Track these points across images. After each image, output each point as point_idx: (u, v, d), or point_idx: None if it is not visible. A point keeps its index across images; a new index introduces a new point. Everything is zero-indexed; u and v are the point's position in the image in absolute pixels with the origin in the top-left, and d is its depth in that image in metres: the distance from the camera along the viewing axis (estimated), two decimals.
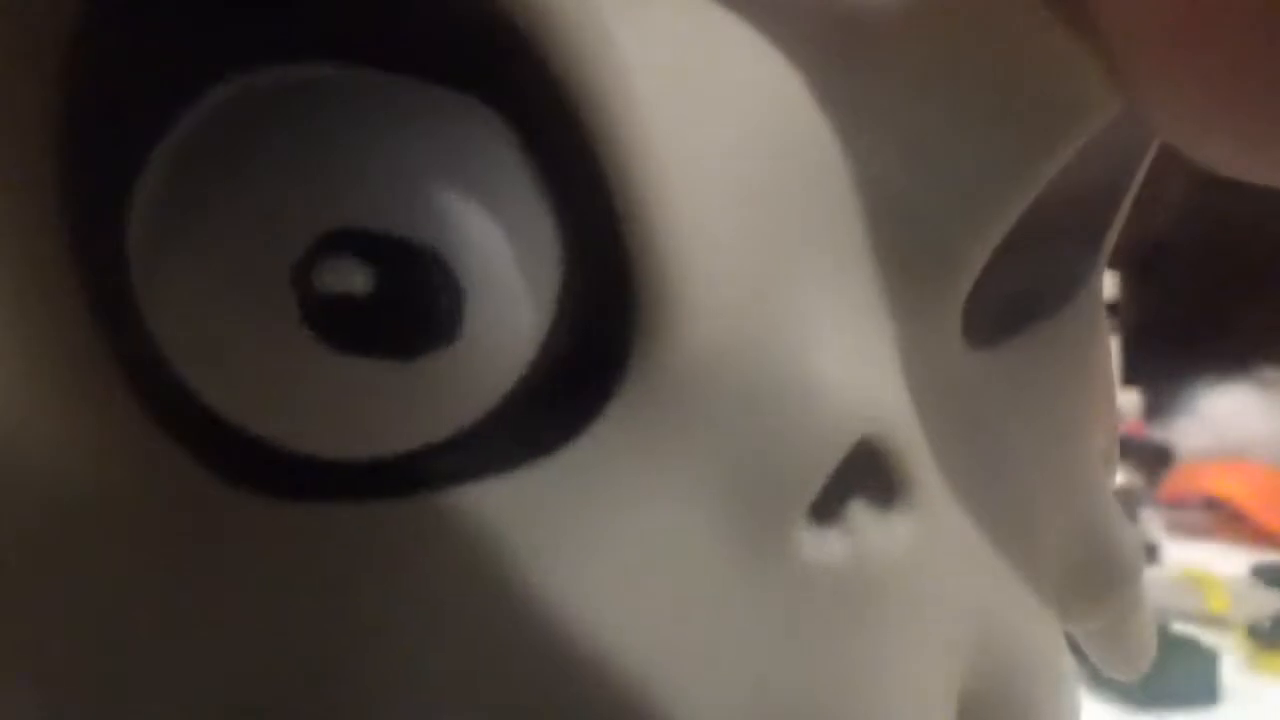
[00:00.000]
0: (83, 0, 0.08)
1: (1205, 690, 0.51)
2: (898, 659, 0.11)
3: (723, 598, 0.10)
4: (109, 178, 0.09)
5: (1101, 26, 0.10)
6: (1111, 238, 0.14)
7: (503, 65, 0.09)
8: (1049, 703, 0.12)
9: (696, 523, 0.10)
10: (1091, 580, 0.14)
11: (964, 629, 0.11)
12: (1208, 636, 0.54)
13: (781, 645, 0.10)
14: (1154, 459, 0.83)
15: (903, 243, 0.11)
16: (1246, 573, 0.67)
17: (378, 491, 0.09)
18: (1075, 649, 0.14)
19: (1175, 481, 0.82)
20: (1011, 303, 0.12)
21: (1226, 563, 0.68)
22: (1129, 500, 0.67)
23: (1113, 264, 0.14)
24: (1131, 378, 0.82)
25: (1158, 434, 0.87)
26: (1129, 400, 0.84)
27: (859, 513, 0.10)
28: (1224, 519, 0.78)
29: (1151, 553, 0.66)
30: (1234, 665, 0.54)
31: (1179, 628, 0.55)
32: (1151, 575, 0.45)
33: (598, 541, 0.10)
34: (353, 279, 0.08)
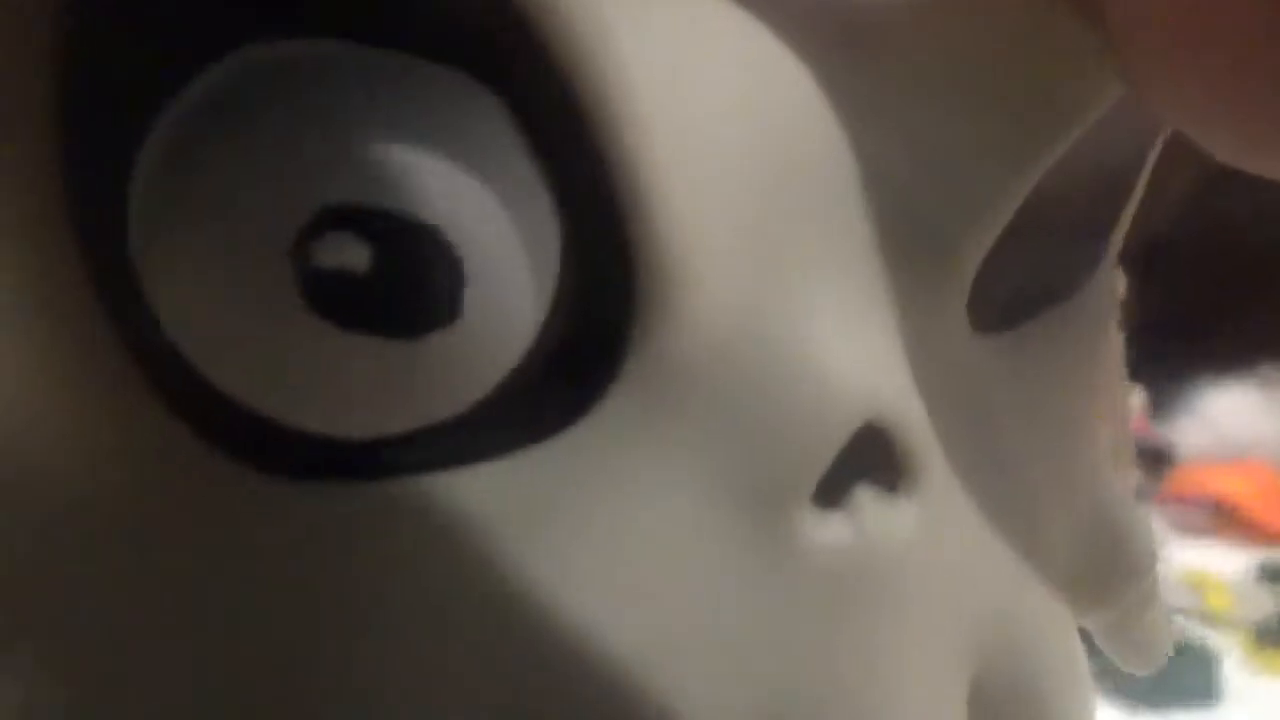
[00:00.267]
0: None
1: (1206, 690, 0.51)
2: (905, 644, 0.11)
3: (725, 583, 0.10)
4: (108, 159, 0.09)
5: (1107, 19, 0.10)
6: (1123, 226, 0.14)
7: (501, 44, 0.09)
8: (1062, 690, 0.12)
9: (698, 507, 0.10)
10: (1102, 573, 0.14)
11: (972, 615, 0.11)
12: (1208, 636, 0.54)
13: (785, 631, 0.10)
14: (1155, 458, 0.83)
15: (904, 230, 0.11)
16: (1248, 572, 0.67)
17: (377, 472, 0.09)
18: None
19: (1177, 481, 0.82)
20: (1019, 289, 0.12)
21: (1228, 562, 0.68)
22: None
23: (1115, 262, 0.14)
24: (1133, 376, 0.82)
25: (1160, 433, 0.87)
26: (1131, 399, 0.83)
27: (863, 497, 0.10)
28: (1225, 518, 0.78)
29: None
30: (1234, 665, 0.54)
31: (1179, 627, 0.55)
32: None
33: (598, 526, 0.10)
34: (351, 255, 0.08)
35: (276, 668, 0.09)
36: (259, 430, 0.09)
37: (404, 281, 0.08)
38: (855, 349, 0.10)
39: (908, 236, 0.11)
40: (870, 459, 0.10)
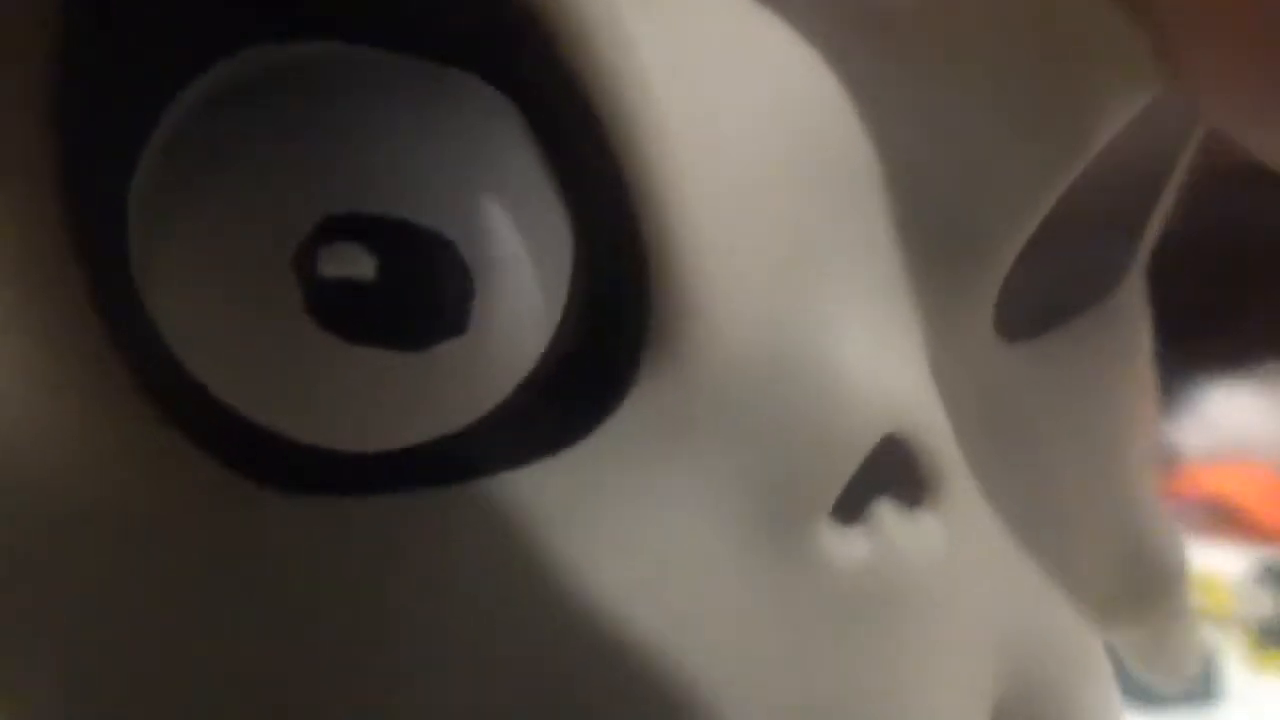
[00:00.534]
0: None
1: (1206, 690, 0.51)
2: (926, 660, 0.10)
3: (743, 596, 0.10)
4: (108, 162, 0.08)
5: (1155, 15, 0.09)
6: (1153, 229, 0.14)
7: (514, 48, 0.08)
8: (1087, 707, 0.12)
9: (715, 519, 0.10)
10: (1134, 588, 0.13)
11: (996, 631, 0.11)
12: (1208, 636, 0.54)
13: (804, 645, 0.10)
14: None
15: (931, 234, 0.11)
16: (1248, 572, 0.67)
17: (390, 486, 0.09)
18: None
19: (1177, 481, 0.82)
20: (1048, 296, 0.12)
21: (1228, 562, 0.67)
22: None
23: None
24: None
25: (1160, 433, 0.87)
26: None
27: (885, 511, 0.10)
28: (1225, 518, 0.78)
29: None
30: (1235, 665, 0.54)
31: None
32: None
33: (612, 539, 0.09)
34: (356, 265, 0.08)
35: (276, 674, 0.09)
36: (272, 446, 0.09)
37: (411, 292, 0.08)
38: (877, 360, 0.10)
39: (935, 240, 0.11)
40: (892, 473, 0.10)
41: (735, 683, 0.10)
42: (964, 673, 0.11)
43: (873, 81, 0.10)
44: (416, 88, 0.08)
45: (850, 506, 0.10)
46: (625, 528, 0.09)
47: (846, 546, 0.10)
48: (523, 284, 0.08)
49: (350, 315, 0.08)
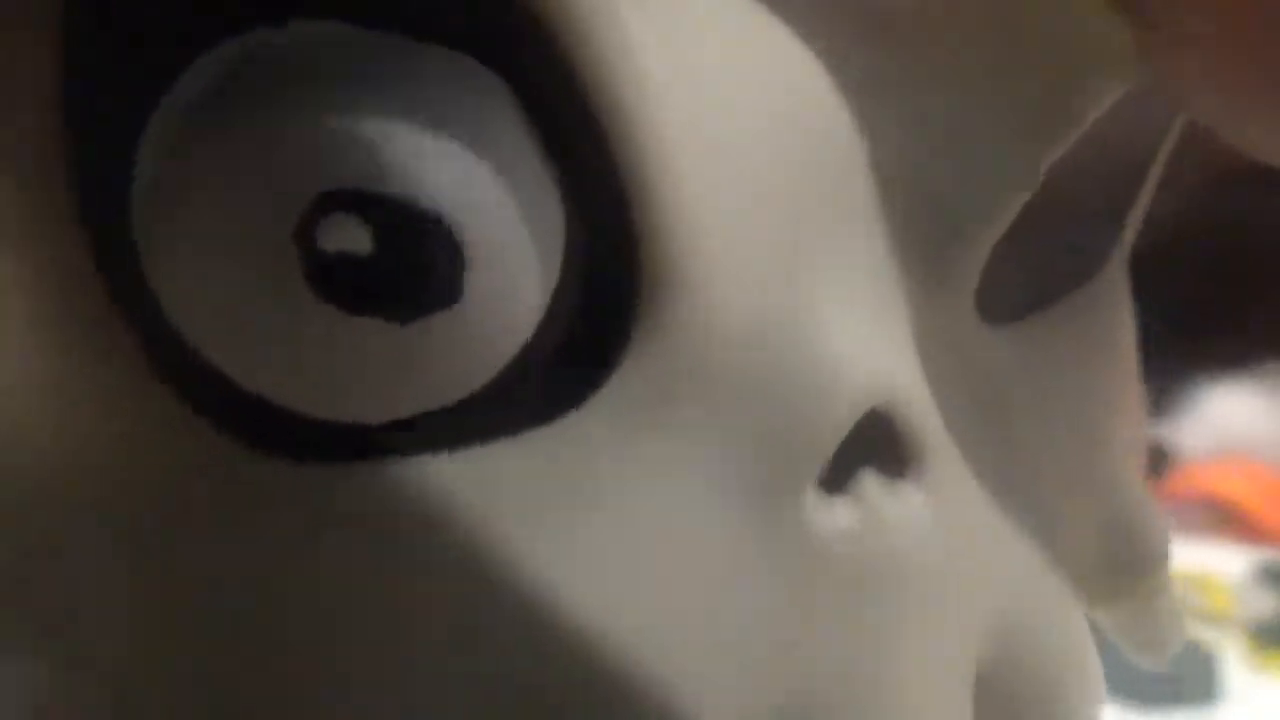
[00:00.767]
0: None
1: (1206, 690, 0.51)
2: (909, 629, 0.11)
3: (730, 568, 0.10)
4: (110, 143, 0.09)
5: (1144, 12, 0.09)
6: (1136, 216, 0.14)
7: (506, 26, 0.09)
8: (1070, 680, 0.12)
9: (704, 490, 0.10)
10: (1116, 566, 0.13)
11: (980, 604, 0.11)
12: (1208, 636, 0.54)
13: (790, 616, 0.10)
14: (1155, 458, 0.83)
15: (914, 217, 0.11)
16: (1248, 572, 0.67)
17: (383, 454, 0.09)
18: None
19: (1177, 481, 0.82)
20: (1031, 281, 0.12)
21: (1228, 562, 0.67)
22: None
23: None
24: None
25: (1159, 433, 0.87)
26: None
27: (870, 484, 0.10)
28: (1225, 518, 0.78)
29: None
30: (1235, 665, 0.54)
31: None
32: None
33: (604, 508, 0.10)
34: (353, 238, 0.08)
35: (281, 646, 0.09)
36: (262, 413, 0.09)
37: (405, 263, 0.08)
38: (863, 335, 0.10)
39: (918, 222, 0.11)
40: (876, 446, 0.10)
41: (721, 649, 0.10)
42: (947, 643, 0.11)
43: (860, 77, 0.11)
44: (413, 67, 0.09)
45: (836, 479, 0.10)
46: (613, 498, 0.10)
47: (832, 516, 0.10)
48: (516, 257, 0.09)
49: (347, 286, 0.08)
